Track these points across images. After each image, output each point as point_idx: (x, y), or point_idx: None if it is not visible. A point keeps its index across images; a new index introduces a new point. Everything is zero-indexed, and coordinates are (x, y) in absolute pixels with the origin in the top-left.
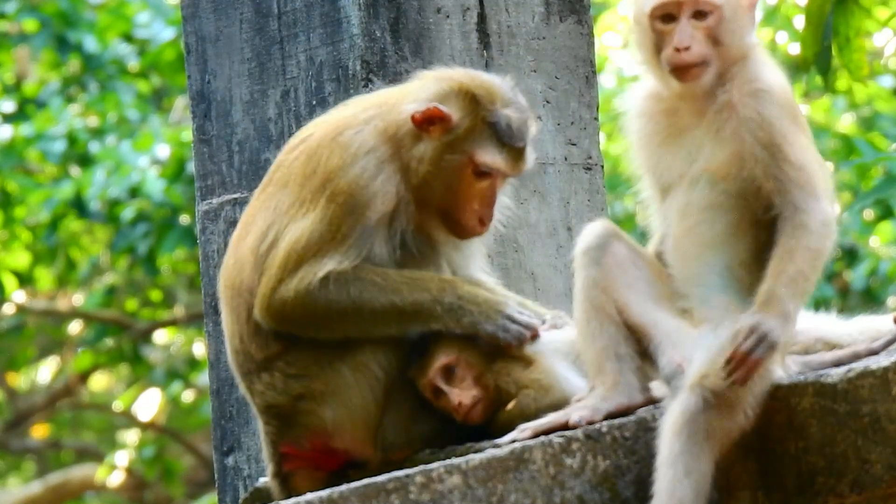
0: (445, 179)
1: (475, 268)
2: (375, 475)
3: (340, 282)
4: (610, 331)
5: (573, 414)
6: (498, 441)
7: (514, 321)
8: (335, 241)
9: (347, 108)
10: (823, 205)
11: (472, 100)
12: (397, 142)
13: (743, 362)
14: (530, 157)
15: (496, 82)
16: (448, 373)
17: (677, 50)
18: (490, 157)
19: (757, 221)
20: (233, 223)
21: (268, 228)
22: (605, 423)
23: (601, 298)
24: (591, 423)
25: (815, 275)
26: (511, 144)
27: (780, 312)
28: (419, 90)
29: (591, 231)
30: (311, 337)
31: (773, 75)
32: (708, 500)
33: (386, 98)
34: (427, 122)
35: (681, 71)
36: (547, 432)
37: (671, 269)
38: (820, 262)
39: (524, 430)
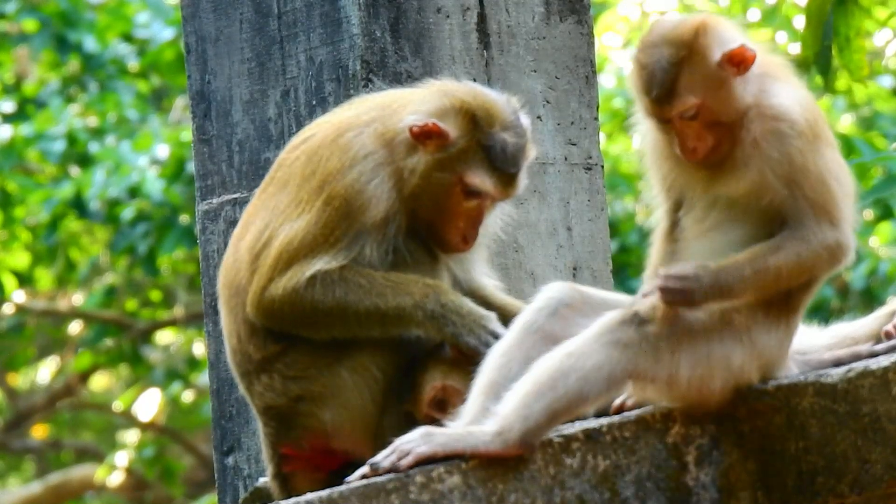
0: (434, 195)
1: (477, 273)
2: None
3: (326, 282)
4: (509, 373)
5: (386, 459)
6: (347, 479)
7: (496, 337)
8: (327, 243)
9: (350, 108)
10: (835, 232)
11: (471, 120)
12: (393, 148)
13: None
14: (522, 182)
15: (499, 103)
16: (439, 404)
17: (688, 153)
18: (479, 179)
19: (772, 234)
20: (233, 223)
21: (265, 227)
22: (604, 423)
23: (531, 346)
24: (422, 460)
25: (789, 281)
26: (503, 169)
27: (721, 284)
28: (422, 101)
29: (555, 287)
30: (301, 335)
31: (789, 99)
32: (584, 398)
33: (390, 101)
34: (424, 136)
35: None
36: (386, 472)
37: (687, 234)
38: (802, 275)
39: (368, 465)
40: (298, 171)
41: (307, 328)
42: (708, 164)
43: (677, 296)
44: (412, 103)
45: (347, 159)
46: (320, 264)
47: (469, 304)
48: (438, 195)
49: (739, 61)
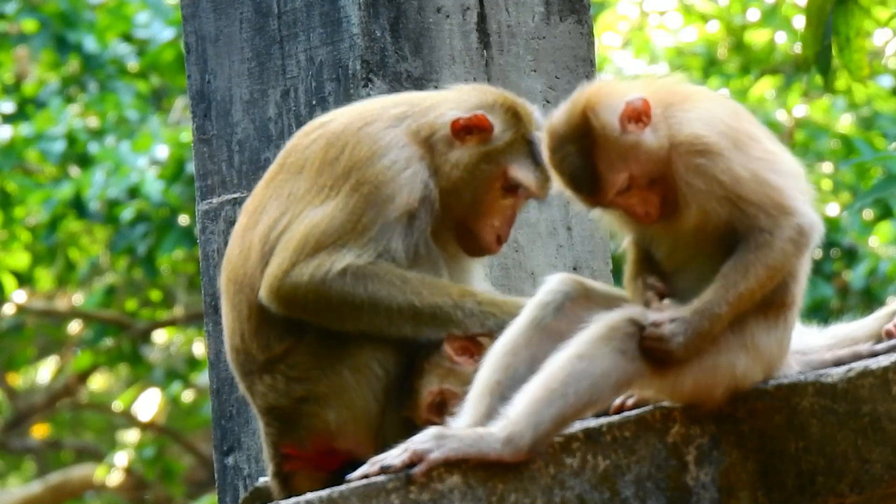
0: (474, 189)
1: (475, 282)
2: (376, 475)
3: (358, 276)
4: (515, 373)
5: (394, 458)
6: (348, 476)
7: None
8: (355, 231)
9: (373, 102)
10: (792, 219)
11: (515, 115)
12: (430, 145)
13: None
14: (553, 185)
15: (529, 105)
16: (438, 407)
17: (642, 219)
18: (523, 173)
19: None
20: (233, 223)
21: (281, 215)
22: (604, 423)
23: (537, 344)
24: (433, 465)
25: (767, 288)
26: (544, 166)
27: (704, 326)
28: (459, 99)
29: (559, 279)
30: (320, 326)
31: (697, 123)
32: (590, 400)
33: (417, 99)
34: (466, 129)
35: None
36: (382, 472)
37: (662, 267)
38: (777, 276)
39: (374, 463)
40: (317, 156)
41: (330, 319)
42: (664, 215)
43: (660, 347)
44: (447, 101)
45: (379, 148)
46: (351, 257)
47: (500, 295)
48: (478, 190)
49: (637, 117)
